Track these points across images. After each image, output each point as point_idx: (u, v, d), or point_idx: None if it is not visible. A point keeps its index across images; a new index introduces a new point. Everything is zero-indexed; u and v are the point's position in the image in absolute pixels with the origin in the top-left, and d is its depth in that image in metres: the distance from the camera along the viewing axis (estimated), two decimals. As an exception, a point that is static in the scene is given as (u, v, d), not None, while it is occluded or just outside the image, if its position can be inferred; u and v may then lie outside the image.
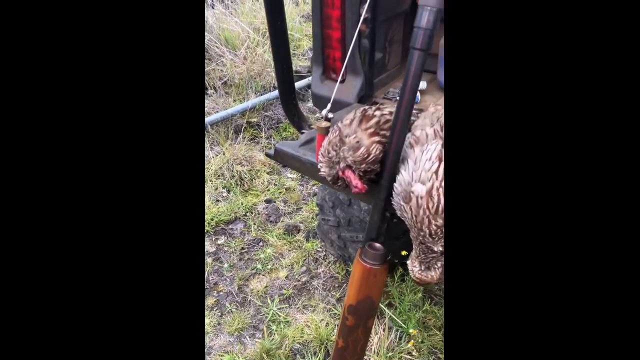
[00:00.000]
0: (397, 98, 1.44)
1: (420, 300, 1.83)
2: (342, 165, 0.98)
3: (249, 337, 1.80)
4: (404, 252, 1.84)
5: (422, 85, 1.44)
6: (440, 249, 0.93)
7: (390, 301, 1.87)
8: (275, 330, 1.80)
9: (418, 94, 1.41)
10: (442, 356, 1.70)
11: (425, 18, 0.85)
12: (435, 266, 0.96)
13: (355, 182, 0.97)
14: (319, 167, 1.03)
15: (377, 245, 1.04)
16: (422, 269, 0.96)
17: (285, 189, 2.50)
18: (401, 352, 1.69)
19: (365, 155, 0.97)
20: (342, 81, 1.37)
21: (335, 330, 1.77)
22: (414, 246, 0.98)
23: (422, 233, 0.92)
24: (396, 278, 1.87)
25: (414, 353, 1.64)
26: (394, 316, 1.78)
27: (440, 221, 0.90)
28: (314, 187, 2.51)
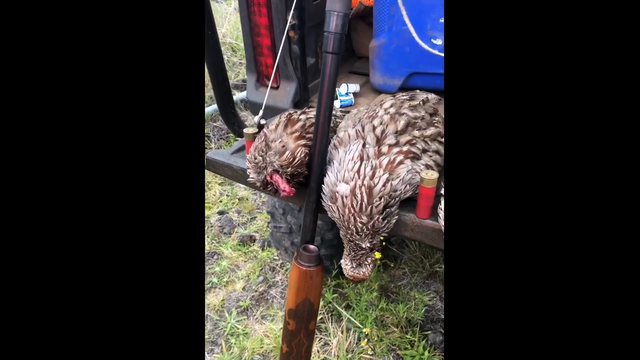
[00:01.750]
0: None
1: (376, 299, 1.86)
2: (269, 170, 0.99)
3: (208, 353, 1.75)
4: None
5: (355, 88, 1.47)
6: (368, 245, 0.95)
7: (347, 303, 1.88)
8: (234, 344, 1.77)
9: (352, 96, 1.45)
10: (400, 352, 1.72)
11: (333, 22, 0.88)
12: (366, 262, 0.98)
13: (283, 185, 0.98)
14: (247, 173, 1.03)
15: (312, 247, 1.04)
16: (354, 266, 0.98)
17: (239, 199, 2.48)
18: (360, 353, 1.70)
19: (291, 159, 0.98)
20: (276, 87, 1.39)
21: (294, 338, 1.76)
22: (344, 245, 0.99)
23: (349, 231, 0.94)
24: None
25: (369, 352, 1.66)
26: (351, 317, 1.79)
27: (365, 218, 0.92)
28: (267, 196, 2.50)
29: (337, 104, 1.44)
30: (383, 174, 0.92)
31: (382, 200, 0.91)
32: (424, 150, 1.00)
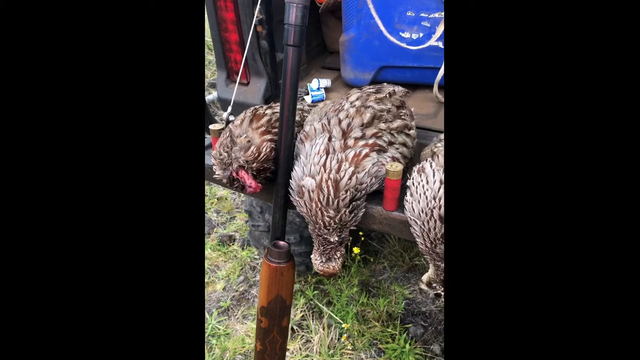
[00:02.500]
0: (302, 97, 1.45)
1: (357, 294, 1.86)
2: (234, 165, 0.97)
3: (187, 355, 1.73)
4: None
5: (327, 83, 1.47)
6: (336, 238, 0.95)
7: (329, 299, 1.88)
8: (216, 345, 1.75)
9: (323, 91, 1.44)
10: (381, 346, 1.73)
11: (293, 15, 0.87)
12: (335, 256, 0.97)
13: (250, 181, 0.97)
14: (213, 169, 1.01)
15: (281, 243, 1.03)
16: (323, 260, 0.97)
17: (217, 199, 2.45)
18: (342, 349, 1.69)
19: (257, 154, 0.97)
20: (246, 84, 1.37)
21: (275, 336, 1.75)
22: (313, 239, 0.98)
23: (317, 225, 0.94)
24: (332, 275, 1.89)
25: (348, 347, 1.66)
26: (332, 314, 1.78)
27: (332, 212, 0.92)
28: (251, 195, 2.48)
29: (308, 99, 1.43)
30: (349, 167, 0.92)
31: (349, 193, 0.91)
32: (391, 143, 1.00)
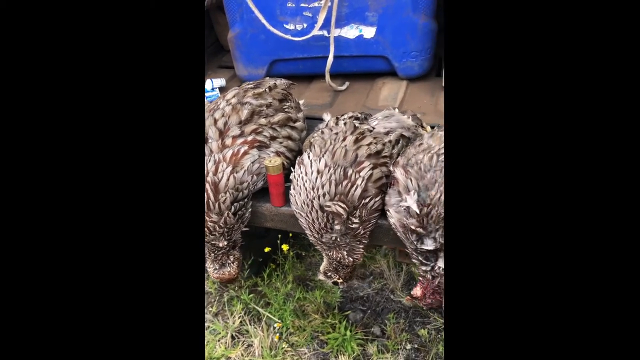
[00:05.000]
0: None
1: (293, 290, 1.85)
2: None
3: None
4: (267, 249, 1.85)
5: (221, 82, 1.43)
6: (225, 243, 0.92)
7: (265, 300, 1.85)
8: None
9: (218, 92, 1.40)
10: (323, 338, 1.74)
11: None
12: (229, 261, 0.95)
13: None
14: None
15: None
16: (217, 267, 0.94)
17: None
18: (284, 348, 1.68)
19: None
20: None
21: (217, 347, 1.70)
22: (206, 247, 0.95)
23: (205, 232, 0.91)
24: (265, 276, 1.86)
25: (284, 345, 1.65)
26: (270, 315, 1.76)
27: (214, 216, 0.89)
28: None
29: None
30: (226, 167, 0.89)
31: (228, 194, 0.88)
32: (273, 138, 0.98)
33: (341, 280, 0.95)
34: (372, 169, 0.87)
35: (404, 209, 0.83)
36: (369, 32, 1.27)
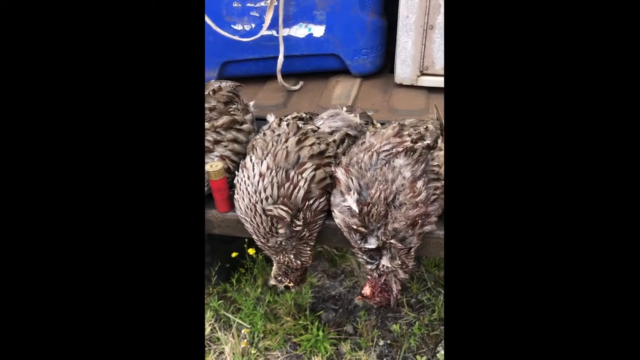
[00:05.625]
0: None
1: (263, 294, 1.83)
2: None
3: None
4: (234, 254, 1.83)
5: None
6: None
7: (235, 306, 1.83)
8: None
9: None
10: (296, 340, 1.72)
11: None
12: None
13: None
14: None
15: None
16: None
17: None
18: (256, 352, 1.66)
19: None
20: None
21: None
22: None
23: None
24: (234, 282, 1.84)
25: (252, 351, 1.63)
26: (239, 320, 1.74)
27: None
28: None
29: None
30: (166, 176, 0.87)
31: (169, 203, 0.86)
32: (217, 142, 0.96)
33: (292, 284, 0.94)
34: (315, 169, 0.86)
35: (347, 209, 0.82)
36: (318, 30, 1.26)
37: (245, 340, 1.64)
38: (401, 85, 1.31)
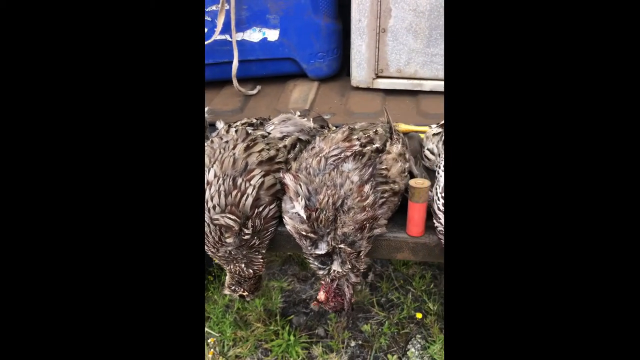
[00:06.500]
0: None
1: (231, 301, 1.81)
2: None
3: None
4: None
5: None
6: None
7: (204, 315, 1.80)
8: None
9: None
10: (267, 346, 1.71)
11: None
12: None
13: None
14: None
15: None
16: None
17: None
18: (227, 361, 1.64)
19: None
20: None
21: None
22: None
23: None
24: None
25: (220, 359, 1.61)
26: (208, 329, 1.71)
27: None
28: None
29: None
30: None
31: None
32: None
33: (247, 293, 0.93)
34: (264, 176, 0.85)
35: (296, 215, 0.81)
36: (272, 34, 1.25)
37: (213, 350, 1.61)
38: (358, 88, 1.32)
